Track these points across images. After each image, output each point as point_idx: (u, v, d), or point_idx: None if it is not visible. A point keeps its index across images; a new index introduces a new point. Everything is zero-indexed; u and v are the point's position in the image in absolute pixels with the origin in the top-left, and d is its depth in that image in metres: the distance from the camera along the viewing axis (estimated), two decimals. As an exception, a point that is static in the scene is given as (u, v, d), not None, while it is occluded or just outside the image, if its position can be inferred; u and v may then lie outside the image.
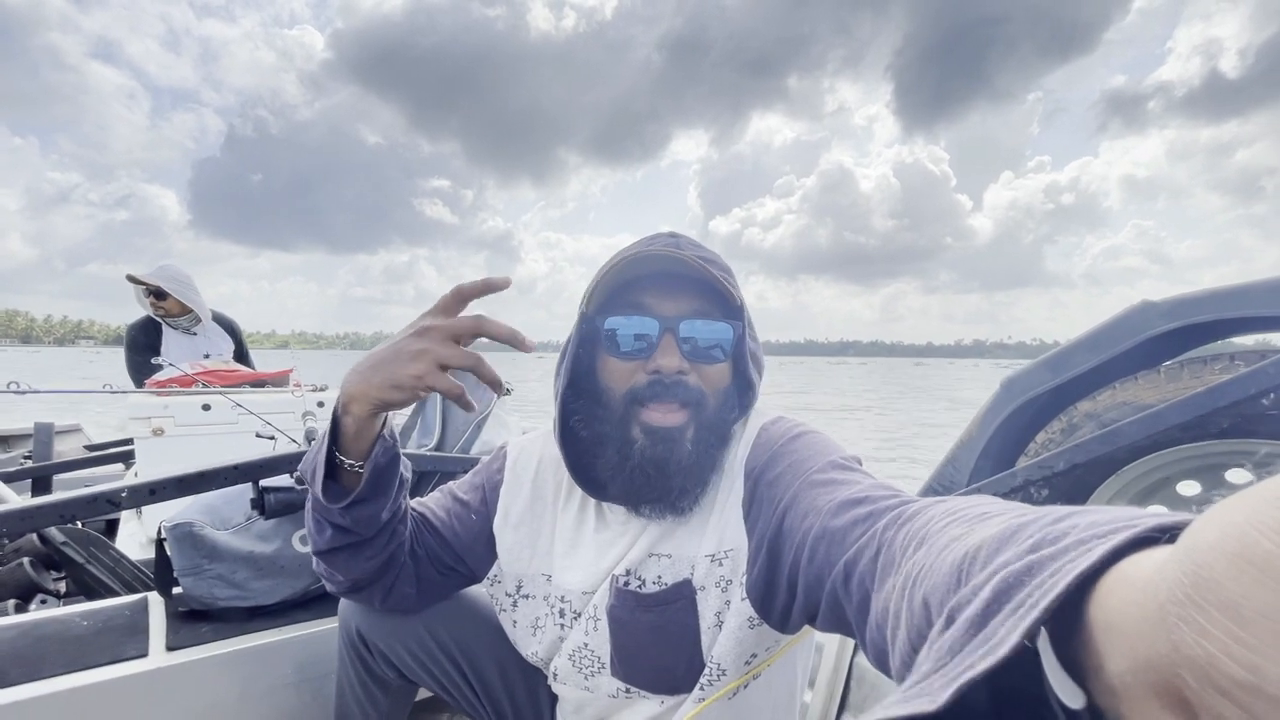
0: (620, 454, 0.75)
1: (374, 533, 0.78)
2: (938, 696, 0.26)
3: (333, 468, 0.75)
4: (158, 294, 2.93)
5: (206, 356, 2.99)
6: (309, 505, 0.79)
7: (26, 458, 2.84)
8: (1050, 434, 1.44)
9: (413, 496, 0.87)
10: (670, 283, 0.76)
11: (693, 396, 0.74)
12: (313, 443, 0.79)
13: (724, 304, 0.77)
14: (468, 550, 0.87)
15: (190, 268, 3.15)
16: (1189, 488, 1.31)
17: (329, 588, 0.86)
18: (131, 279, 2.91)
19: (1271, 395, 1.09)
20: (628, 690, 0.80)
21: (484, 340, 0.71)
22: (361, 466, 0.74)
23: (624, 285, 0.76)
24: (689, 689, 0.77)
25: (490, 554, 0.87)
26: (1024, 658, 0.26)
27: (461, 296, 0.69)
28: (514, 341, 0.70)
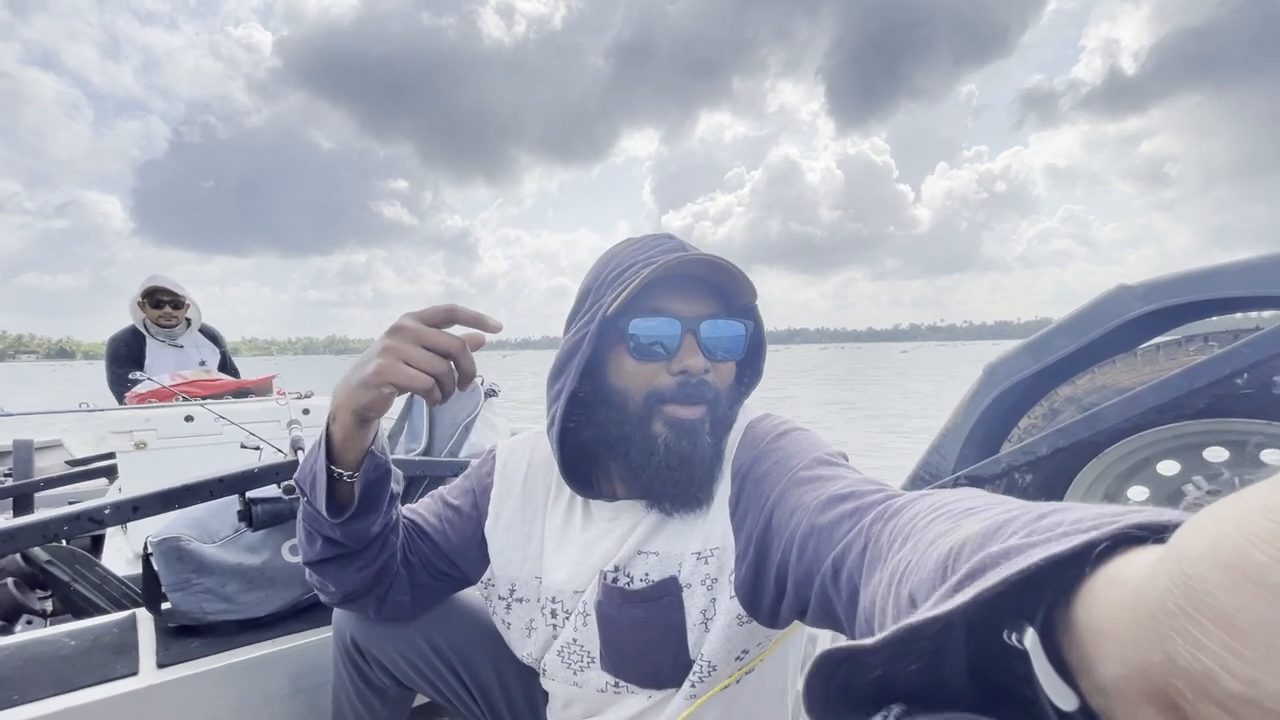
0: (644, 451, 0.75)
1: (364, 545, 0.78)
2: (877, 638, 0.27)
3: (327, 478, 0.74)
4: (174, 304, 2.91)
5: (203, 364, 2.97)
6: (299, 516, 0.79)
7: (6, 475, 2.79)
8: (1033, 419, 1.46)
9: (403, 501, 0.87)
10: (686, 284, 0.77)
11: (712, 394, 0.76)
12: (303, 452, 0.78)
13: (733, 302, 0.79)
14: (460, 555, 0.87)
15: (135, 276, 3.14)
16: (1169, 467, 1.34)
17: (322, 599, 0.86)
18: (155, 289, 2.88)
19: (1245, 375, 1.12)
20: (616, 685, 0.80)
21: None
22: (352, 477, 0.73)
23: (640, 288, 0.76)
24: (676, 684, 0.78)
25: (483, 558, 0.88)
26: (1016, 658, 0.26)
27: (453, 316, 0.69)
28: (480, 323, 0.69)
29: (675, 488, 0.75)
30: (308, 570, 0.82)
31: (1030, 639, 0.26)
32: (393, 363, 0.66)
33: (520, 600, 0.86)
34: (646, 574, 0.77)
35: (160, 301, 2.92)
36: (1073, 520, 0.30)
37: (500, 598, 0.87)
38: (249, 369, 2.97)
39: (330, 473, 0.73)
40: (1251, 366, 1.11)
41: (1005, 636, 0.27)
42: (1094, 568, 0.26)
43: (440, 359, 0.67)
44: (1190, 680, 0.19)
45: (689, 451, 0.74)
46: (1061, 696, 0.25)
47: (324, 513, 0.73)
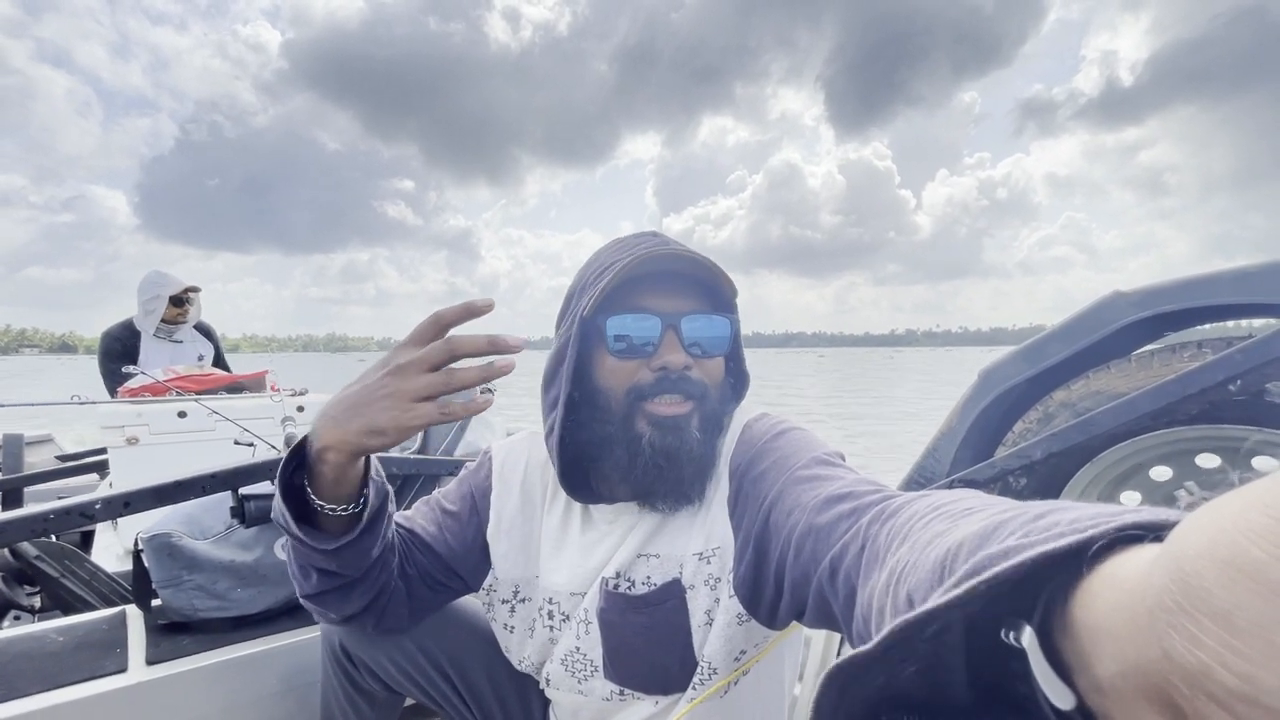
0: (629, 450, 0.74)
1: (364, 571, 0.74)
2: (877, 640, 0.27)
3: (309, 512, 0.70)
4: (175, 301, 2.91)
5: (201, 359, 2.96)
6: (290, 550, 0.74)
7: (-4, 470, 2.77)
8: (1027, 423, 1.46)
9: (397, 503, 0.86)
10: (667, 280, 0.77)
11: (697, 390, 0.75)
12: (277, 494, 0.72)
13: (717, 298, 0.79)
14: (461, 562, 0.85)
15: (139, 270, 3.16)
16: (1161, 473, 1.34)
17: (319, 621, 0.83)
18: (191, 288, 2.92)
19: (1238, 382, 1.12)
20: (621, 692, 0.80)
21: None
22: (344, 510, 0.69)
23: (620, 285, 0.76)
24: (683, 688, 0.77)
25: (485, 563, 0.86)
26: (1014, 658, 0.26)
27: (440, 323, 0.63)
28: (497, 347, 0.63)
29: (665, 485, 0.75)
30: (305, 601, 0.78)
31: (1028, 637, 0.26)
32: (410, 408, 0.62)
33: (524, 601, 0.85)
34: (649, 577, 0.77)
35: (182, 299, 2.93)
36: (1070, 520, 0.30)
37: (504, 601, 0.86)
38: (248, 366, 2.96)
39: (319, 508, 0.69)
40: (1244, 373, 1.11)
41: (1003, 636, 0.27)
42: (1091, 566, 0.25)
43: (442, 381, 0.63)
44: (1187, 677, 0.19)
45: (675, 447, 0.73)
46: (1059, 695, 0.25)
47: (308, 541, 0.69)
